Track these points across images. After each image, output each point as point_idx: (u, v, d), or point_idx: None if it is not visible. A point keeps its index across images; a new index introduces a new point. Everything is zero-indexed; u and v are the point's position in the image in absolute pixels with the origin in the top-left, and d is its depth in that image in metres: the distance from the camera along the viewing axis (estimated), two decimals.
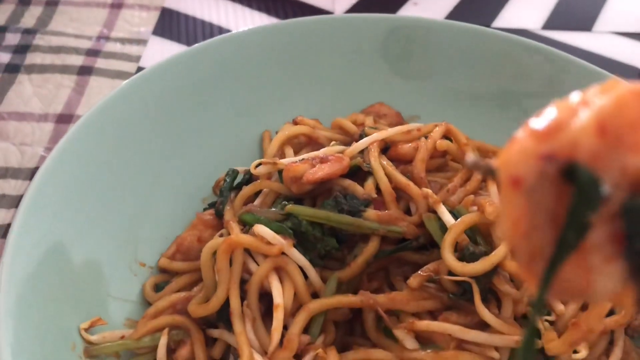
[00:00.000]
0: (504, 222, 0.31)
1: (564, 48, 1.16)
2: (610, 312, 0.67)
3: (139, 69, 1.16)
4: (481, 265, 0.63)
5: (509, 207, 0.30)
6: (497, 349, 0.63)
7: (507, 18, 1.26)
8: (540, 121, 0.29)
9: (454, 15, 1.24)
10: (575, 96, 0.30)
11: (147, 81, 0.86)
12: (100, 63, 1.17)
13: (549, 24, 1.26)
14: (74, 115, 1.09)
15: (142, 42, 1.23)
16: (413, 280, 0.66)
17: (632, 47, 1.23)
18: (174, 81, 0.88)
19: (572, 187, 0.28)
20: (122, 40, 1.22)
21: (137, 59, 1.19)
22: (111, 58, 1.19)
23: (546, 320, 0.66)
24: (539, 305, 0.32)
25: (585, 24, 1.28)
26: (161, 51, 1.19)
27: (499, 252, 0.64)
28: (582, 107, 0.29)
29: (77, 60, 1.17)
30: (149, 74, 0.87)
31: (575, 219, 0.28)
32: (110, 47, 1.20)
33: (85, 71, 1.15)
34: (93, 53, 1.19)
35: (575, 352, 0.63)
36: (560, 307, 0.66)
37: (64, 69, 1.16)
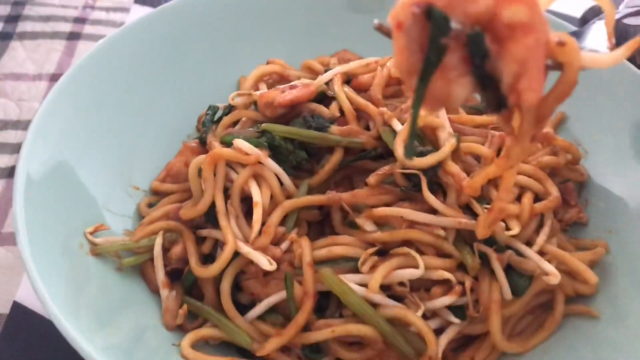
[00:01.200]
0: (394, 53, 0.46)
1: None
2: (539, 199, 0.79)
3: None
4: (427, 160, 0.74)
5: (396, 42, 0.45)
6: (444, 228, 0.74)
7: None
8: None
9: None
10: None
11: (129, 36, 0.96)
12: (88, 29, 1.27)
13: None
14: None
15: (125, 9, 1.33)
16: (371, 179, 0.77)
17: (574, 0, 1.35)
18: (153, 36, 0.97)
19: (431, 23, 0.43)
20: (107, 9, 1.32)
21: (121, 24, 1.29)
22: (97, 24, 1.29)
23: (485, 207, 0.77)
24: (417, 104, 0.47)
25: None
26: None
27: (443, 150, 0.75)
28: None
29: (66, 27, 1.27)
30: (133, 28, 0.96)
31: (433, 44, 0.43)
32: (96, 15, 1.30)
33: (74, 36, 1.25)
34: (80, 21, 1.28)
35: (508, 229, 0.74)
36: (494, 193, 0.78)
37: (53, 35, 1.25)
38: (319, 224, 0.82)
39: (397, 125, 0.80)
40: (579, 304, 0.78)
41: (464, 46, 0.43)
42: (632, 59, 0.99)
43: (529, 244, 0.76)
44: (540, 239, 0.76)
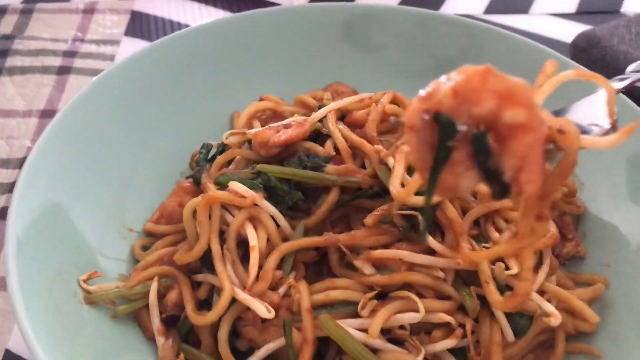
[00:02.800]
0: (410, 149, 0.53)
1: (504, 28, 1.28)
2: None
3: None
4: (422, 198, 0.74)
5: (409, 142, 0.52)
6: (442, 270, 0.73)
7: (453, 5, 1.39)
8: (423, 91, 0.50)
9: (406, 2, 1.35)
10: (443, 77, 0.49)
11: (121, 73, 0.95)
12: (78, 63, 1.26)
13: (490, 9, 1.39)
14: (56, 110, 1.17)
15: (115, 42, 1.32)
16: (368, 219, 0.76)
17: (564, 26, 1.36)
18: (145, 72, 0.97)
19: (439, 127, 0.49)
20: (97, 42, 1.31)
21: (112, 57, 1.28)
22: (88, 58, 1.28)
23: (483, 247, 0.76)
24: (429, 194, 0.53)
25: (523, 7, 1.40)
26: (134, 49, 1.28)
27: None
28: (447, 82, 0.48)
29: (56, 61, 1.26)
30: (126, 65, 0.96)
31: (441, 145, 0.50)
32: (85, 48, 1.29)
33: (64, 71, 1.24)
34: (70, 54, 1.28)
35: (507, 268, 0.74)
36: (495, 235, 0.77)
37: (44, 70, 1.24)
38: (316, 263, 0.81)
39: (392, 163, 0.80)
40: (580, 341, 0.77)
41: (470, 144, 0.49)
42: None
43: None
44: (540, 277, 0.75)
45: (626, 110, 0.89)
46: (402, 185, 0.72)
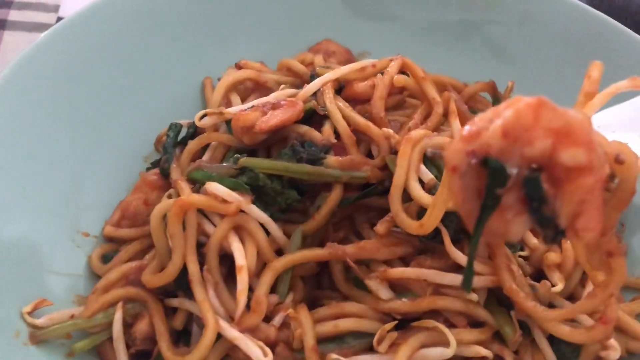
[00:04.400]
0: (450, 195, 0.46)
1: None
2: None
3: (59, 19, 1.05)
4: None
5: (451, 185, 0.44)
6: (474, 290, 0.60)
7: None
8: (467, 129, 0.43)
9: None
10: (490, 111, 0.43)
11: (69, 32, 0.78)
12: (14, 15, 1.06)
13: None
14: None
15: None
16: (380, 227, 0.62)
17: None
18: (100, 30, 0.80)
19: (487, 172, 0.43)
20: None
21: (55, 8, 1.09)
22: (26, 9, 1.07)
23: (520, 256, 0.64)
24: (473, 246, 0.48)
25: None
26: (82, 1, 1.09)
27: None
28: (496, 118, 0.42)
29: None
30: (71, 24, 0.78)
31: (490, 193, 0.43)
32: None
33: None
34: (4, 5, 1.07)
35: (552, 286, 0.61)
36: (533, 240, 0.64)
37: None
38: (315, 276, 0.67)
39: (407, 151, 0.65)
40: None
41: (521, 187, 0.43)
42: None
43: (572, 299, 0.63)
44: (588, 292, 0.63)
45: None
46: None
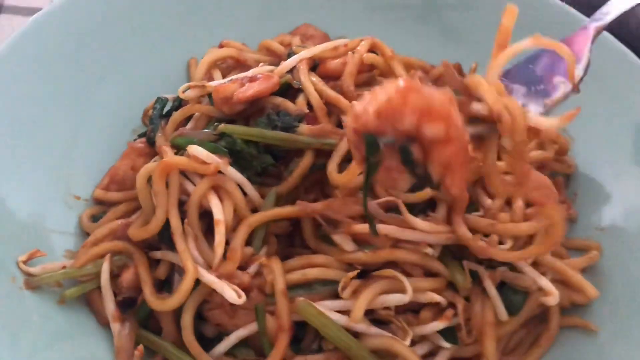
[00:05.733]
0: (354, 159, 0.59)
1: None
2: (530, 205, 0.72)
3: None
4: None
5: (352, 152, 0.58)
6: (430, 245, 0.66)
7: None
8: (353, 112, 0.56)
9: None
10: (371, 93, 0.54)
11: (61, 12, 0.82)
12: (10, 0, 1.11)
13: None
14: None
15: None
16: (338, 192, 0.69)
17: None
18: (91, 12, 0.84)
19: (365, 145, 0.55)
20: None
21: None
22: None
23: (475, 215, 0.69)
24: (364, 197, 0.62)
25: None
26: None
27: None
28: (374, 100, 0.54)
29: None
30: (63, 5, 0.83)
31: (368, 159, 0.56)
32: None
33: None
34: None
35: (500, 243, 0.67)
36: (487, 201, 0.70)
37: None
38: (288, 235, 0.73)
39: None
40: (574, 314, 0.72)
41: (398, 154, 0.55)
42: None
43: None
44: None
45: (623, 62, 0.82)
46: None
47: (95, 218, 0.77)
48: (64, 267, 0.68)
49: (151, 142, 0.79)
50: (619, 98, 0.82)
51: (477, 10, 0.92)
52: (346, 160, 0.70)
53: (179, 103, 0.82)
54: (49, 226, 0.73)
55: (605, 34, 0.86)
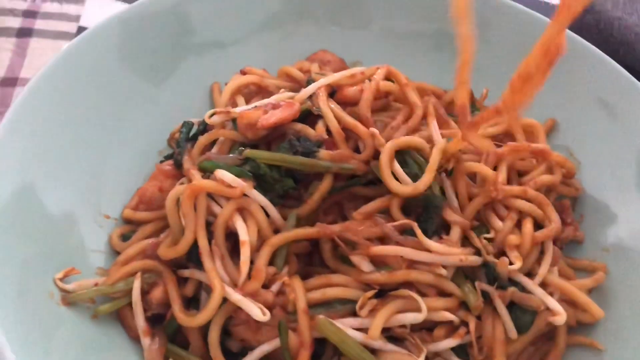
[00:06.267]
0: None
1: None
2: (539, 227, 0.76)
3: (80, 28, 1.15)
4: (424, 181, 0.72)
5: None
6: (444, 266, 0.70)
7: None
8: None
9: None
10: None
11: (91, 41, 0.86)
12: (40, 24, 1.16)
13: None
14: (18, 78, 1.08)
15: (79, 1, 1.21)
16: (357, 215, 0.73)
17: None
18: (118, 41, 0.89)
19: None
20: (60, 0, 1.21)
21: (77, 18, 1.18)
22: (50, 19, 1.17)
23: (485, 238, 0.73)
24: None
25: None
26: (100, 10, 1.19)
27: (433, 160, 0.73)
28: None
29: (15, 22, 1.15)
30: (98, 33, 0.87)
31: None
32: (47, 7, 1.19)
33: (24, 33, 1.14)
34: (30, 14, 1.17)
35: (511, 264, 0.71)
36: (498, 224, 0.74)
37: (1, 32, 1.14)
38: (308, 254, 0.77)
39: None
40: (581, 332, 0.75)
41: None
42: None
43: (530, 274, 0.73)
44: (543, 269, 0.73)
45: (630, 89, 0.86)
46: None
47: (124, 237, 0.81)
48: (96, 284, 0.72)
49: (178, 165, 0.83)
50: (624, 124, 0.85)
51: (488, 41, 0.96)
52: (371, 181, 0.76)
53: (204, 127, 0.86)
54: (82, 245, 0.77)
55: (612, 61, 0.90)
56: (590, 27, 1.15)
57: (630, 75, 0.87)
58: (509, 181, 0.80)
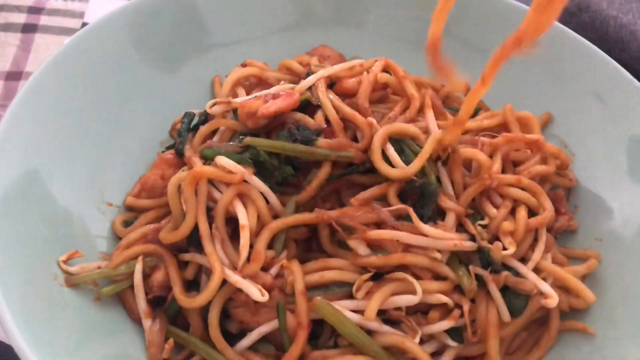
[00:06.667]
0: None
1: None
2: (533, 215, 0.77)
3: (84, 25, 1.18)
4: (416, 164, 0.74)
5: None
6: (439, 251, 0.71)
7: None
8: None
9: None
10: None
11: (100, 33, 0.88)
12: (44, 20, 1.18)
13: None
14: (22, 72, 1.10)
15: None
16: (354, 201, 0.75)
17: None
18: (127, 33, 0.91)
19: None
20: None
21: (81, 15, 1.21)
22: (55, 15, 1.20)
23: (479, 225, 0.75)
24: None
25: None
26: (104, 7, 1.21)
27: (426, 149, 0.75)
28: None
29: (20, 18, 1.18)
30: (101, 26, 0.89)
31: None
32: (52, 4, 1.21)
33: (29, 29, 1.16)
34: (35, 10, 1.19)
35: (504, 249, 0.72)
36: (492, 211, 0.75)
37: (7, 27, 1.16)
38: (306, 240, 0.79)
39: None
40: (573, 317, 0.77)
41: None
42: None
43: (524, 260, 0.75)
44: (536, 255, 0.74)
45: (622, 82, 0.88)
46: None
47: (126, 223, 0.82)
48: (99, 268, 0.74)
49: (179, 153, 0.84)
50: (617, 116, 0.87)
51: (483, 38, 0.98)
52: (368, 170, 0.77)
53: (205, 117, 0.88)
54: (85, 230, 0.79)
55: (606, 56, 0.92)
56: (586, 25, 1.17)
57: (623, 70, 0.88)
58: (504, 171, 0.81)
